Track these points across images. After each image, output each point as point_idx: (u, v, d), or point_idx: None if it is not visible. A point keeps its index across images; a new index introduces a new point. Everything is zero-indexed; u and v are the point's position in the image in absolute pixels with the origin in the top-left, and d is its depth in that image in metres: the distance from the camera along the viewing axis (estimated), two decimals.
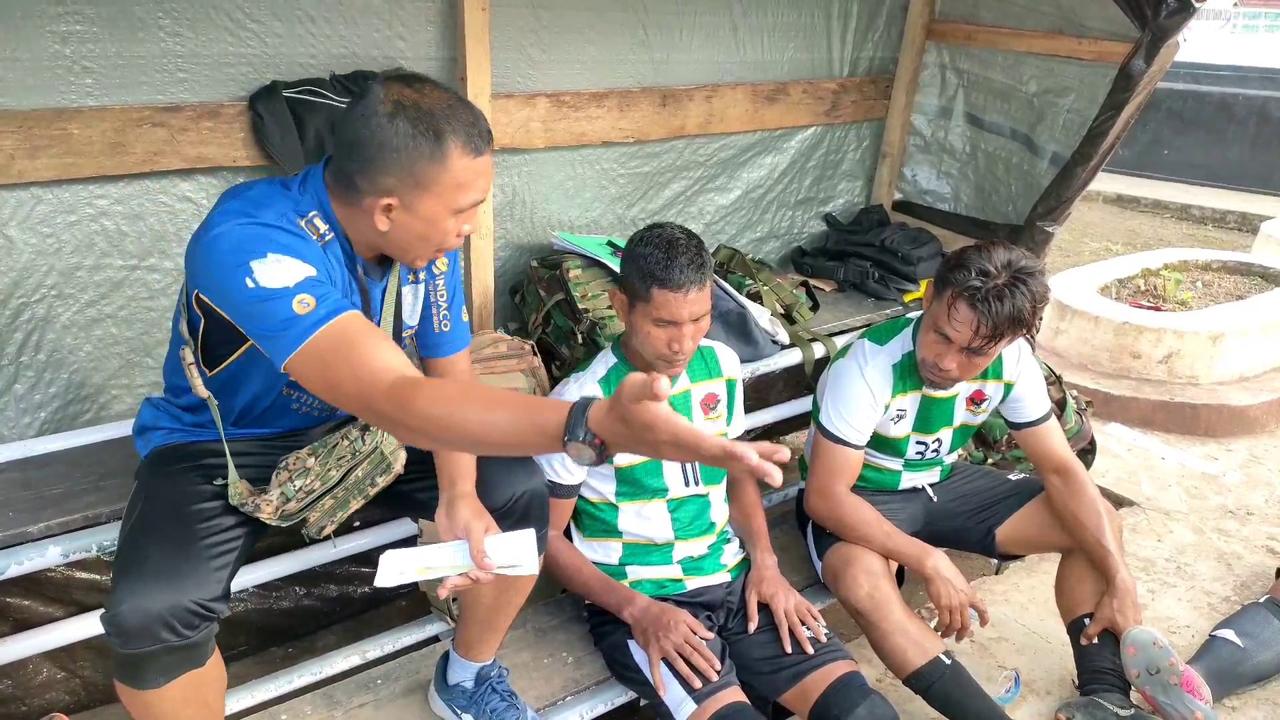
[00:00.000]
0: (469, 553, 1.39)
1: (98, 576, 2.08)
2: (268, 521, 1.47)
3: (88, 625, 1.80)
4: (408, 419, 1.10)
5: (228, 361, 1.44)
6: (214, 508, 1.43)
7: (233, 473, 1.45)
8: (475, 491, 1.49)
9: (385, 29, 2.14)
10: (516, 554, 1.41)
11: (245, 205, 1.28)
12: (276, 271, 1.20)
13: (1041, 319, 1.99)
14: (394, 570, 1.38)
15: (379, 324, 1.49)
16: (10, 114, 1.75)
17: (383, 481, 1.55)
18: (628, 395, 0.94)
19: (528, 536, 1.43)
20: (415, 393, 1.09)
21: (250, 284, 1.19)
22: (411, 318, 1.57)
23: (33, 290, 1.90)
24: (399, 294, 1.52)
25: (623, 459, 1.90)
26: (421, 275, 1.56)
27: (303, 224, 1.31)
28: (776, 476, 0.98)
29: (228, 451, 1.46)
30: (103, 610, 1.28)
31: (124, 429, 1.93)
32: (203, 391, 1.45)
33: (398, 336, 1.54)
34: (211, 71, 1.96)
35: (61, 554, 1.62)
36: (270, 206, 1.29)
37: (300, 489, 1.49)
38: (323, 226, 1.34)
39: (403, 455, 1.56)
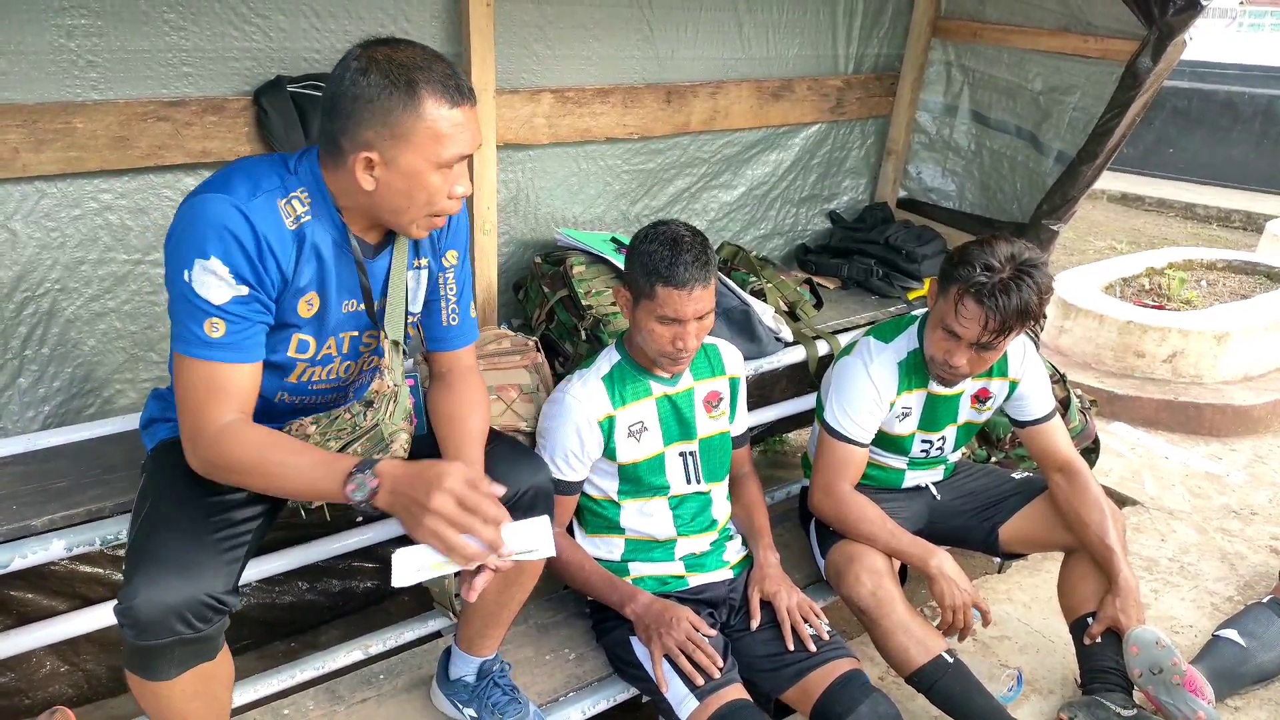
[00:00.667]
0: (486, 543, 1.39)
1: (101, 570, 2.09)
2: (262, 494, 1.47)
3: (91, 619, 1.80)
4: (219, 460, 1.31)
5: None
6: (224, 501, 1.44)
7: None
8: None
9: (390, 23, 2.13)
10: (533, 539, 1.41)
11: (235, 173, 1.34)
12: (210, 283, 1.29)
13: (1047, 313, 1.99)
14: (410, 568, 1.37)
15: (383, 309, 1.49)
16: (15, 107, 1.75)
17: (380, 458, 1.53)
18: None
19: (542, 523, 1.43)
20: (232, 439, 1.31)
21: (186, 278, 1.29)
22: (414, 304, 1.57)
23: (37, 284, 1.90)
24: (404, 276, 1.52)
25: (626, 455, 1.90)
26: (424, 261, 1.55)
27: (281, 204, 1.34)
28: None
29: None
30: (116, 602, 1.28)
31: (128, 423, 1.94)
32: None
33: (404, 323, 1.53)
34: (216, 66, 1.96)
35: (65, 548, 1.63)
36: (257, 180, 1.34)
37: None
38: (301, 208, 1.36)
39: (403, 438, 1.54)
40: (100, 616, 1.80)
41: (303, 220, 1.36)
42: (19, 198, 1.83)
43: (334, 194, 1.38)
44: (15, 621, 1.97)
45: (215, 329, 1.30)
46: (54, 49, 1.78)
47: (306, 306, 1.42)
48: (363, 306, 1.49)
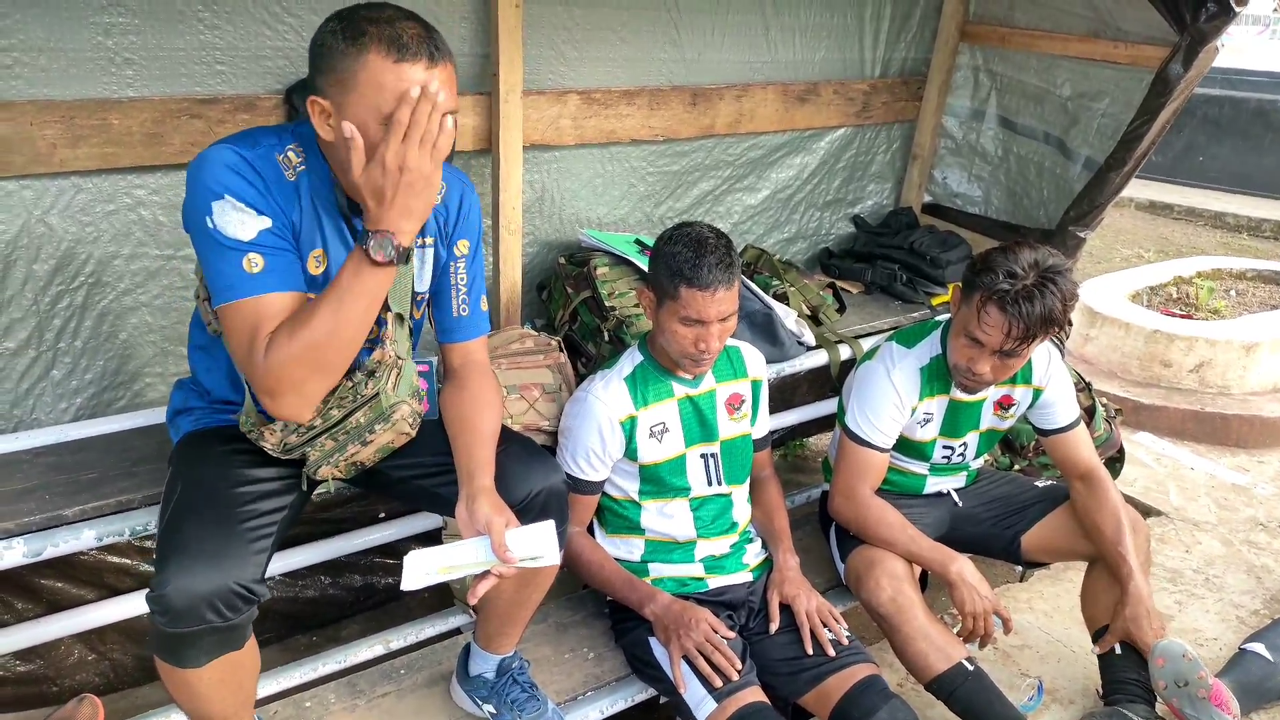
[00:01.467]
0: (490, 548, 1.40)
1: (129, 561, 2.12)
2: (270, 451, 1.48)
3: (119, 608, 1.83)
4: (292, 368, 1.28)
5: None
6: (250, 492, 1.46)
7: (248, 400, 1.46)
8: (494, 486, 1.50)
9: None
10: (538, 545, 1.42)
11: (236, 136, 1.37)
12: (233, 221, 1.28)
13: (1071, 321, 1.98)
14: (418, 572, 1.39)
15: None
16: (54, 104, 1.79)
17: (381, 430, 1.50)
18: None
19: (548, 528, 1.44)
20: (274, 335, 1.27)
21: (209, 224, 1.28)
22: (420, 283, 1.58)
23: (71, 278, 1.93)
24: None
25: (648, 456, 1.90)
26: (430, 240, 1.55)
27: (279, 158, 1.36)
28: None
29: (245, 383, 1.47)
30: (148, 590, 1.30)
31: (157, 416, 1.96)
32: (215, 326, 1.47)
33: (411, 301, 1.54)
34: (249, 64, 1.98)
35: (95, 537, 1.65)
36: (255, 138, 1.37)
37: (304, 430, 1.49)
38: (296, 158, 1.38)
39: (405, 409, 1.51)
40: (127, 606, 1.84)
41: (299, 170, 1.38)
42: (55, 192, 1.86)
43: (321, 149, 1.40)
44: (45, 609, 2.01)
45: (254, 264, 1.28)
46: (92, 47, 1.81)
47: (315, 264, 1.43)
48: None
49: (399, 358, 1.52)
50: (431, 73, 1.29)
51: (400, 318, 1.54)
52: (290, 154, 1.38)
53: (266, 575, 1.41)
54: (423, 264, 1.57)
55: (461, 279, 1.61)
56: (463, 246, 1.59)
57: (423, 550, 1.43)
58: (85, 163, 1.85)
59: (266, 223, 1.31)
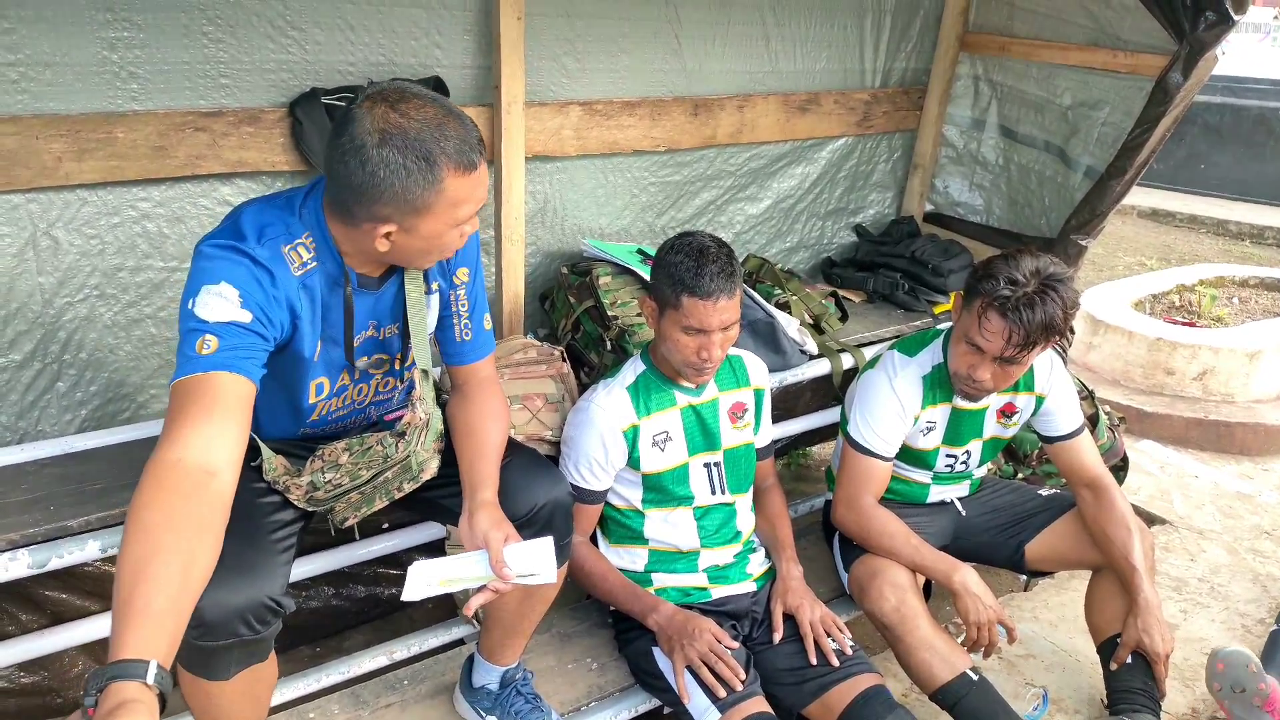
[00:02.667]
0: (489, 563, 1.41)
1: None
2: (294, 502, 1.50)
3: None
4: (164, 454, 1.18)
5: None
6: (271, 504, 1.47)
7: (266, 450, 1.47)
8: (497, 500, 1.50)
9: (423, 37, 2.17)
10: (535, 563, 1.42)
11: (240, 220, 1.32)
12: (213, 305, 1.24)
13: (1073, 329, 1.98)
14: (420, 584, 1.39)
15: (410, 332, 1.52)
16: (60, 118, 1.80)
17: (409, 487, 1.58)
18: None
19: (545, 545, 1.44)
20: (163, 483, 1.15)
21: (190, 305, 1.25)
22: (431, 324, 1.59)
23: (76, 290, 1.94)
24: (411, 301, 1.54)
25: (650, 465, 1.90)
26: (436, 285, 1.56)
27: (286, 250, 1.33)
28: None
29: (260, 443, 1.49)
30: None
31: (161, 427, 1.96)
32: None
33: (421, 342, 1.55)
34: (253, 77, 2.00)
35: (100, 549, 1.66)
36: (261, 228, 1.32)
37: (330, 480, 1.52)
38: (307, 254, 1.35)
39: (434, 465, 1.58)
40: None
41: (309, 269, 1.36)
42: (61, 205, 1.87)
43: (338, 240, 1.38)
44: (49, 621, 2.01)
45: (207, 345, 1.23)
46: (98, 61, 1.82)
47: (316, 354, 1.45)
48: (366, 336, 1.50)
49: (428, 414, 1.55)
50: (484, 166, 1.34)
51: (426, 373, 1.56)
52: (301, 249, 1.35)
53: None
54: (432, 308, 1.58)
55: (463, 305, 1.61)
56: (462, 275, 1.59)
57: (426, 561, 1.44)
58: (91, 176, 1.86)
59: (245, 317, 1.26)
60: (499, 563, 1.40)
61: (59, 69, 1.79)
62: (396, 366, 1.59)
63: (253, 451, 1.51)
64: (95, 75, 1.83)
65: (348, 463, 1.53)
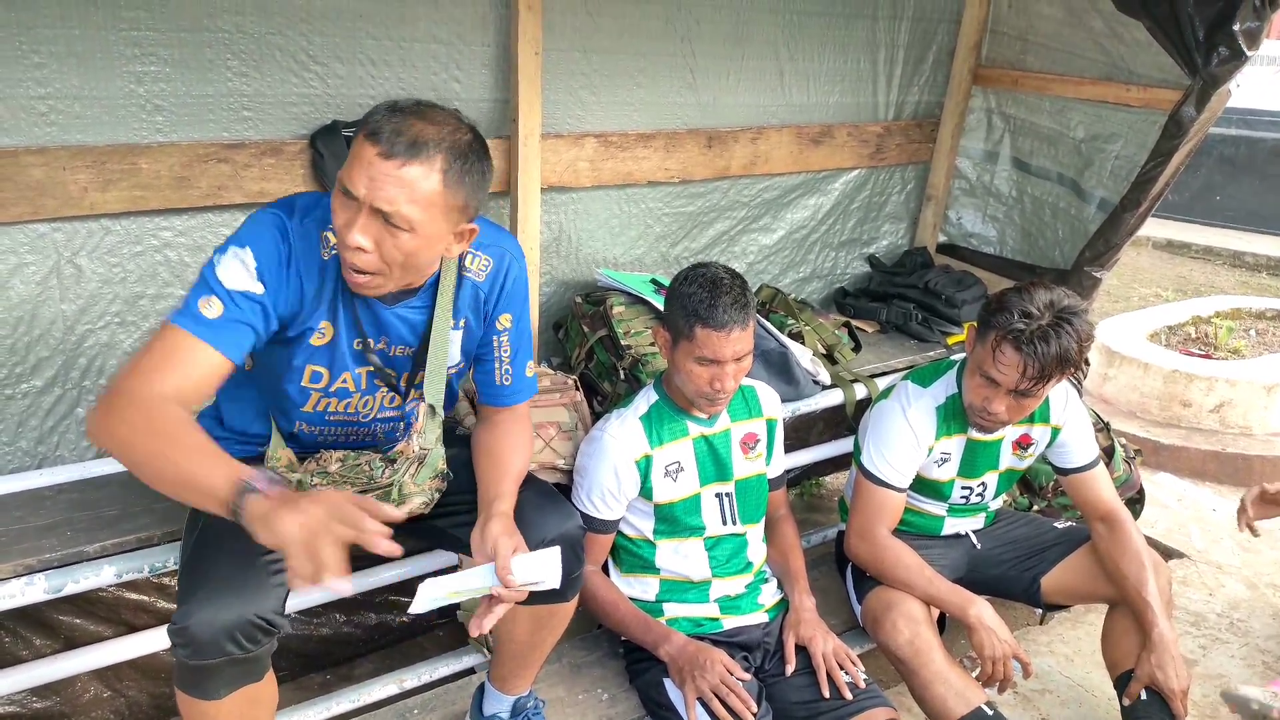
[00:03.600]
0: (495, 572, 1.41)
1: (147, 598, 2.13)
2: None
3: (136, 645, 1.83)
4: (115, 426, 1.22)
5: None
6: None
7: (276, 436, 1.49)
8: (512, 513, 1.50)
9: (442, 71, 2.21)
10: (540, 571, 1.42)
11: (296, 198, 1.44)
12: (232, 269, 1.33)
13: (1089, 360, 1.98)
14: (426, 597, 1.39)
15: (416, 353, 1.54)
16: (86, 149, 1.84)
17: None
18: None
19: (553, 554, 1.44)
20: (145, 411, 1.22)
21: (217, 260, 1.34)
22: (450, 359, 1.59)
23: (98, 318, 1.97)
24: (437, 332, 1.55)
25: (662, 495, 1.90)
26: (464, 321, 1.57)
27: (323, 233, 1.40)
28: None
29: (272, 420, 1.52)
30: (170, 623, 1.31)
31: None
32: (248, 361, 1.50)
33: (437, 377, 1.56)
34: (275, 110, 2.03)
35: (116, 574, 1.67)
36: (310, 208, 1.41)
37: (316, 484, 1.53)
38: (335, 240, 1.40)
39: (418, 501, 1.56)
40: (145, 643, 1.84)
41: (334, 251, 1.40)
42: (85, 234, 1.91)
43: None
44: (63, 646, 2.01)
45: (210, 307, 1.30)
46: (124, 94, 1.86)
47: (319, 336, 1.46)
48: (373, 345, 1.51)
49: (424, 449, 1.55)
50: (389, 167, 1.33)
51: (433, 409, 1.57)
52: (330, 234, 1.40)
53: (286, 610, 1.42)
54: (454, 344, 1.59)
55: (505, 351, 1.62)
56: (505, 320, 1.60)
57: (434, 579, 1.43)
58: (115, 205, 1.90)
59: (257, 289, 1.33)
60: (504, 569, 1.39)
61: (87, 102, 1.83)
62: (401, 385, 1.59)
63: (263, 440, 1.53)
64: (122, 108, 1.87)
65: (336, 473, 1.54)
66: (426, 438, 1.57)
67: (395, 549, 1.15)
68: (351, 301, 1.46)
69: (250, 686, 1.37)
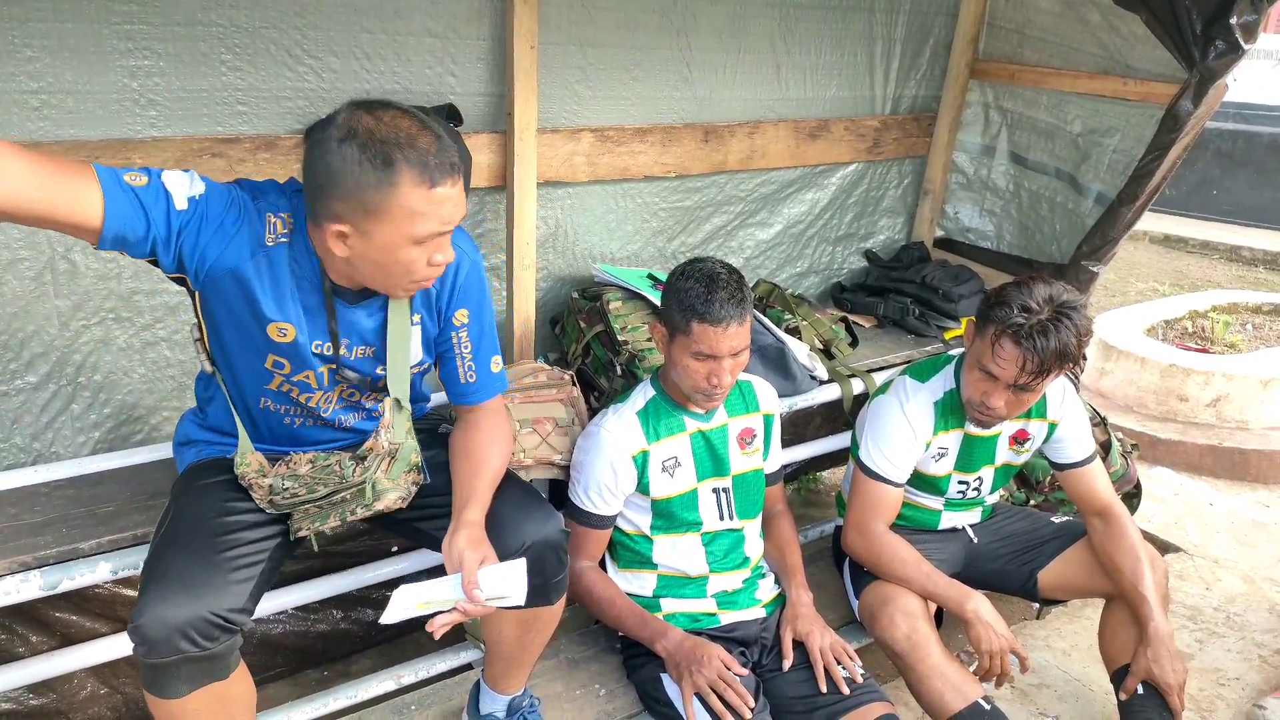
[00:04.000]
0: (460, 584, 1.39)
1: None
2: (259, 504, 1.51)
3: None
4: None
5: (211, 334, 1.48)
6: (239, 520, 1.46)
7: (244, 440, 1.48)
8: (481, 522, 1.49)
9: (437, 65, 2.20)
10: (506, 585, 1.40)
11: (259, 184, 1.42)
12: (176, 177, 1.31)
13: (1086, 355, 1.97)
14: (399, 608, 1.38)
15: (379, 353, 1.53)
16: (80, 144, 1.83)
17: (363, 512, 1.55)
18: None
19: (518, 567, 1.41)
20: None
21: (163, 171, 1.31)
22: (411, 357, 1.57)
23: (92, 314, 1.97)
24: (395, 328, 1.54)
25: (659, 490, 1.90)
26: (418, 317, 1.54)
27: (270, 218, 1.38)
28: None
29: (236, 419, 1.52)
30: (129, 622, 1.30)
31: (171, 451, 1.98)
32: (208, 366, 1.53)
33: (399, 373, 1.55)
34: (269, 105, 2.03)
35: (111, 570, 1.66)
36: (265, 191, 1.41)
37: (288, 489, 1.51)
38: (284, 229, 1.38)
39: (393, 496, 1.54)
40: None
41: (280, 240, 1.38)
42: None
43: (316, 247, 1.39)
44: (59, 643, 2.01)
45: (135, 178, 1.27)
46: (118, 89, 1.85)
47: (279, 333, 1.43)
48: (332, 349, 1.49)
49: (393, 444, 1.53)
50: (455, 187, 1.32)
51: (398, 403, 1.55)
52: (280, 223, 1.38)
53: (274, 611, 1.41)
54: (415, 341, 1.56)
55: (465, 347, 1.59)
56: (461, 316, 1.57)
57: (409, 585, 1.42)
58: None
59: (180, 205, 1.29)
60: (470, 583, 1.37)
61: (80, 96, 1.82)
62: (363, 387, 1.57)
63: (230, 474, 1.52)
64: (116, 102, 1.86)
65: (307, 475, 1.53)
66: (395, 432, 1.54)
67: None
68: (319, 297, 1.43)
69: (214, 685, 1.35)
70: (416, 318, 1.54)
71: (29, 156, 1.19)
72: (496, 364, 1.65)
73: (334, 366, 1.51)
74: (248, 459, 1.49)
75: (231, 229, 1.35)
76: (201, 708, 1.35)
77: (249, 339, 1.45)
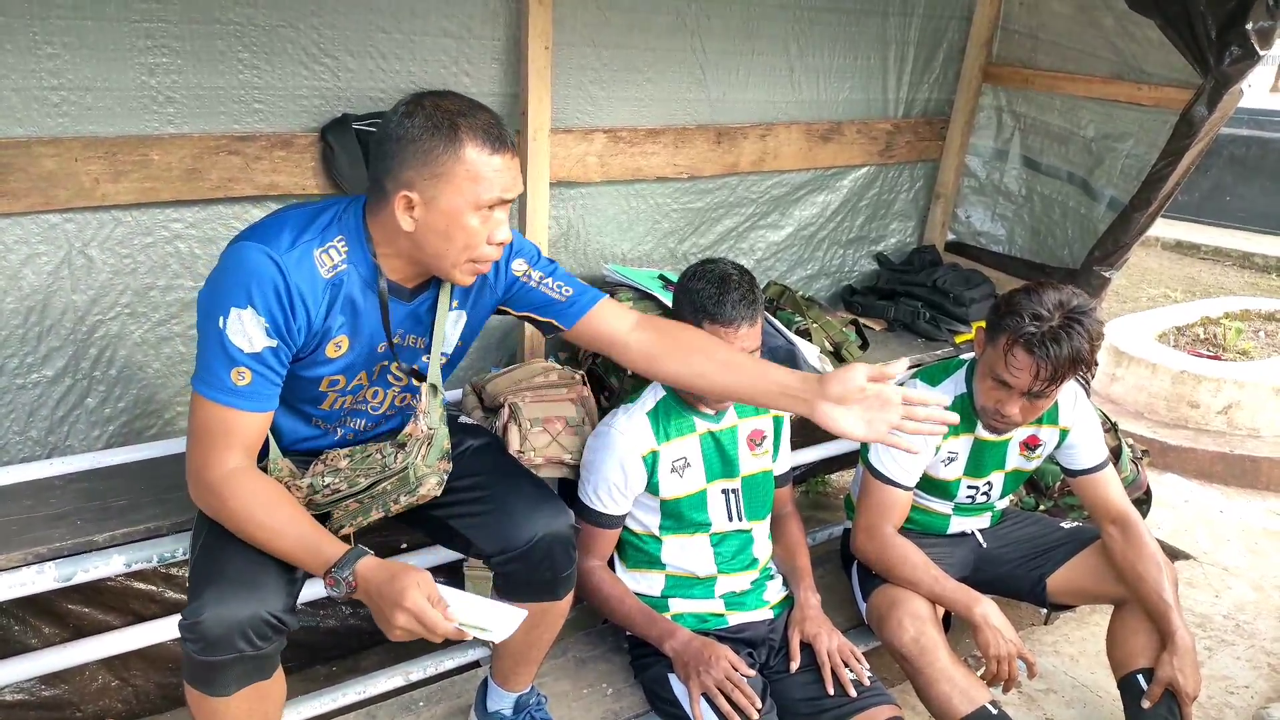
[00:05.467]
0: (492, 614, 1.35)
1: (154, 587, 2.14)
2: None
3: (144, 634, 1.85)
4: (218, 506, 1.36)
5: None
6: None
7: (274, 449, 1.49)
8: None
9: (452, 65, 2.21)
10: (493, 621, 1.35)
11: (280, 222, 1.39)
12: (243, 333, 1.33)
13: (1098, 360, 1.97)
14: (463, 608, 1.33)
15: (429, 343, 1.54)
16: (98, 140, 1.84)
17: (406, 500, 1.57)
18: None
19: (515, 614, 1.37)
20: (234, 489, 1.34)
21: (221, 324, 1.32)
22: (447, 346, 1.59)
23: (108, 308, 1.98)
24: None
25: (669, 491, 1.91)
26: (455, 303, 1.56)
27: (318, 254, 1.37)
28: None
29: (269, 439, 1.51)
30: (181, 617, 1.32)
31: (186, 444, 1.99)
32: None
33: (437, 354, 1.56)
34: (285, 103, 2.04)
35: (125, 563, 1.68)
36: (298, 231, 1.37)
37: (329, 485, 1.53)
38: (338, 256, 1.39)
39: (432, 481, 1.57)
40: (152, 632, 1.85)
41: (339, 269, 1.39)
42: (96, 225, 1.92)
43: (375, 240, 1.41)
44: (71, 635, 2.03)
45: (242, 377, 1.33)
46: (136, 86, 1.87)
47: (334, 349, 1.45)
48: (387, 345, 1.51)
49: (431, 428, 1.56)
50: (513, 160, 1.37)
51: (434, 388, 1.57)
52: (332, 251, 1.39)
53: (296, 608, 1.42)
54: (455, 326, 1.58)
55: (542, 281, 1.58)
56: (520, 264, 1.58)
57: (462, 597, 1.37)
58: (126, 197, 1.90)
59: (272, 344, 1.34)
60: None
61: (99, 93, 1.83)
62: (415, 383, 1.59)
63: (263, 454, 1.54)
64: (134, 99, 1.87)
65: (346, 468, 1.54)
66: (431, 417, 1.57)
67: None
68: (370, 309, 1.45)
69: (259, 684, 1.37)
70: (455, 303, 1.56)
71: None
72: (581, 281, 1.64)
73: (385, 364, 1.53)
74: (278, 464, 1.50)
75: (296, 303, 1.36)
76: (244, 706, 1.38)
77: (304, 375, 1.47)
